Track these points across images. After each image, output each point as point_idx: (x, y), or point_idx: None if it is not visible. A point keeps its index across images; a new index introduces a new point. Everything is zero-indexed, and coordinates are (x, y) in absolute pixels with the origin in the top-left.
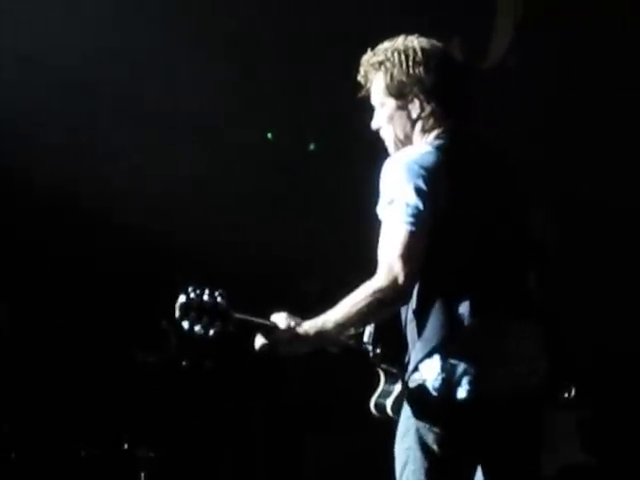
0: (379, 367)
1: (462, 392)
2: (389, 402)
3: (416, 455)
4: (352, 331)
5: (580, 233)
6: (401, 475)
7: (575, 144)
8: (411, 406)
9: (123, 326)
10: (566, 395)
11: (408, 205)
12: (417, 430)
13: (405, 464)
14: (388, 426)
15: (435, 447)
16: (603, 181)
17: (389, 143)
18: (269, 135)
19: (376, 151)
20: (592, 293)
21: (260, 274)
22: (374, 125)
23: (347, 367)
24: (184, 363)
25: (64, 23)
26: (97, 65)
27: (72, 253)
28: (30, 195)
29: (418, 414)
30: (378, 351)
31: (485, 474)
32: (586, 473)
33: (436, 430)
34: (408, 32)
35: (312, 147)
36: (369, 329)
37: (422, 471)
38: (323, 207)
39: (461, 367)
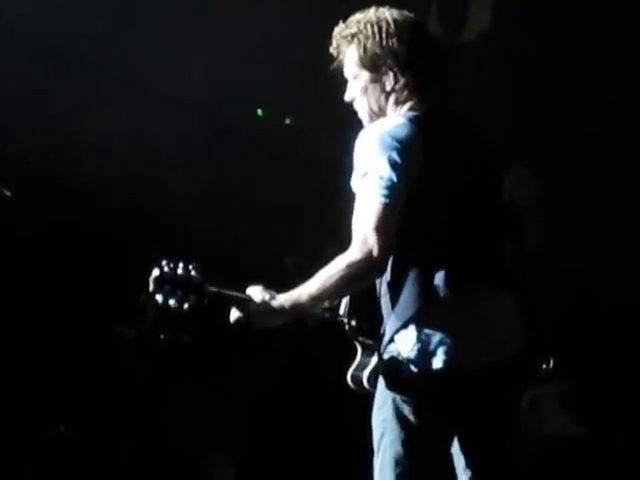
0: (355, 339)
1: (438, 362)
2: (365, 374)
3: (393, 426)
4: (327, 304)
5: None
6: (379, 446)
7: (548, 115)
8: (387, 377)
9: (100, 300)
10: (544, 367)
11: (382, 178)
12: (393, 401)
13: (382, 435)
14: None
15: (412, 417)
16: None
17: (363, 115)
18: (259, 112)
19: (352, 123)
20: (570, 250)
21: (236, 250)
22: (347, 97)
23: None
24: (162, 337)
25: None
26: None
27: (48, 227)
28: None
29: (394, 385)
30: (354, 323)
31: (462, 444)
32: (580, 443)
33: (412, 401)
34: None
35: (288, 121)
36: (345, 302)
37: (399, 442)
38: (301, 180)
39: (437, 337)
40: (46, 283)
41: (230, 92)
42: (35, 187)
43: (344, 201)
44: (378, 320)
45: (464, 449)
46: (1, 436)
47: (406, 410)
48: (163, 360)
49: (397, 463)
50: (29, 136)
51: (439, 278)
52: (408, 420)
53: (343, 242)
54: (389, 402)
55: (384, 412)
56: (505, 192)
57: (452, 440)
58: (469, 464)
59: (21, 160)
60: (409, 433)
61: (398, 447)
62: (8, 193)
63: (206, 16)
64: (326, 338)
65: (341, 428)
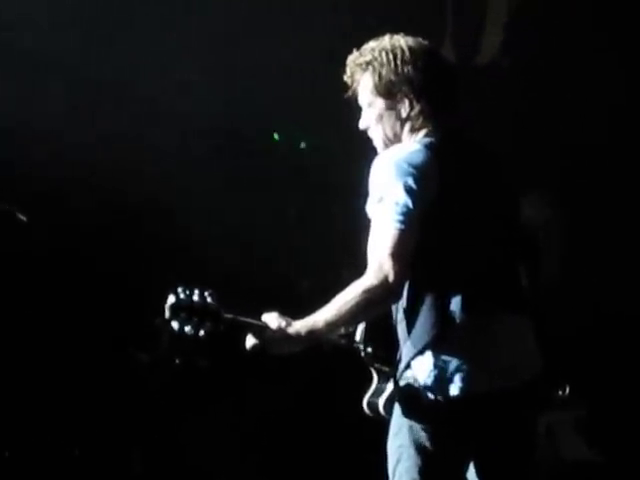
0: (371, 366)
1: (455, 389)
2: (381, 401)
3: (409, 452)
4: (343, 330)
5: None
6: (394, 472)
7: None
8: (403, 404)
9: (116, 324)
10: (560, 393)
11: (397, 204)
12: (410, 428)
13: (398, 462)
14: None
15: (428, 444)
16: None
17: (378, 142)
18: (275, 136)
19: (368, 147)
20: (589, 276)
21: (252, 273)
22: (362, 125)
23: None
24: (177, 361)
25: None
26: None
27: (63, 250)
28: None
29: (410, 412)
30: (370, 350)
31: (477, 469)
32: (594, 469)
33: (429, 427)
34: (399, 32)
35: (303, 145)
36: (361, 328)
37: (415, 469)
38: (316, 206)
39: (453, 364)
40: (62, 307)
41: (246, 115)
42: (50, 212)
43: (359, 224)
44: (394, 347)
45: (479, 474)
46: (16, 458)
47: (422, 437)
48: (178, 384)
49: None
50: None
51: (455, 304)
52: (425, 447)
53: (358, 266)
54: (405, 429)
55: (400, 438)
56: (521, 216)
57: (467, 465)
58: None
59: (41, 188)
60: (425, 459)
61: (414, 474)
62: (24, 218)
63: (220, 39)
64: (342, 364)
65: (356, 454)
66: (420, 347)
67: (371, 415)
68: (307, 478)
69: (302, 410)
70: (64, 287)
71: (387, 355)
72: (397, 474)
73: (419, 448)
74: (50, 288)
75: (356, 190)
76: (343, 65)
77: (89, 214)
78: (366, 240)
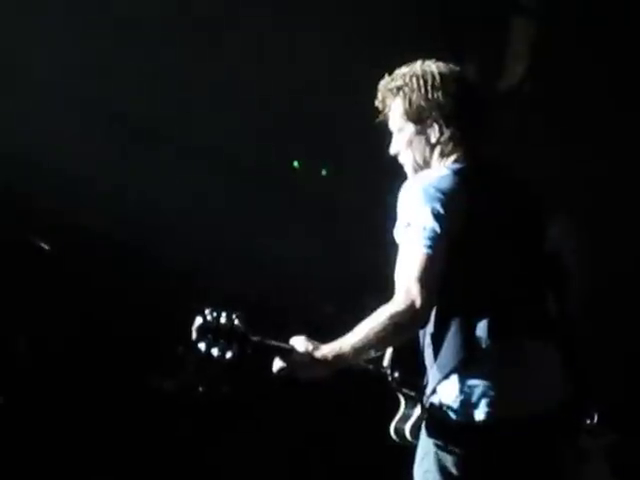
0: (398, 391)
1: (480, 414)
2: (408, 427)
3: (435, 478)
4: (370, 355)
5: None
6: None
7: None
8: (429, 429)
9: (140, 352)
10: (588, 422)
11: (425, 228)
12: (436, 453)
13: None
14: None
15: (454, 470)
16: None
17: (408, 168)
18: (295, 164)
19: (394, 174)
20: (619, 306)
21: (278, 298)
22: (393, 150)
23: None
24: (201, 389)
25: None
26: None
27: (87, 277)
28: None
29: (436, 436)
30: (397, 375)
31: None
32: None
33: (455, 452)
34: (424, 56)
35: (324, 172)
36: (388, 353)
37: None
38: (341, 230)
39: (479, 389)
40: (85, 336)
41: (267, 141)
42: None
43: (383, 250)
44: (422, 372)
45: None
46: None
47: (449, 462)
48: (202, 411)
49: None
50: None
51: (481, 329)
52: (450, 472)
53: (381, 290)
54: (431, 454)
55: (426, 464)
56: (550, 242)
57: None
58: None
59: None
60: None
61: None
62: (47, 247)
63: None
64: (369, 389)
65: None
66: (446, 372)
67: (398, 441)
68: None
69: (328, 436)
70: (86, 315)
71: (414, 380)
72: None
73: (445, 473)
74: (70, 318)
75: (379, 214)
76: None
77: (113, 241)
78: (388, 265)
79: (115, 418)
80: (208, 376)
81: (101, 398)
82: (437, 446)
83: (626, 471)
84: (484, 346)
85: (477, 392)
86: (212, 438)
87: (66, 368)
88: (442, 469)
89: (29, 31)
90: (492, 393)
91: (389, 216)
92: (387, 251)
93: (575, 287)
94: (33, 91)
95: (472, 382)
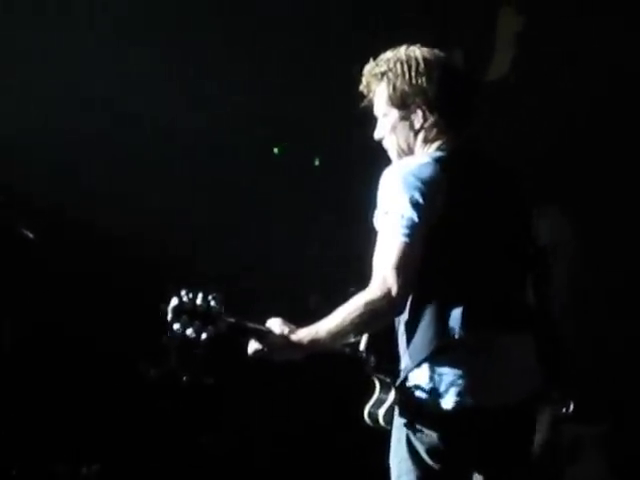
0: (374, 376)
1: (448, 402)
2: (381, 412)
3: (409, 466)
4: (346, 340)
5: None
6: None
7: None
8: (401, 415)
9: (125, 339)
10: (564, 410)
11: (403, 217)
12: (408, 440)
13: (399, 476)
14: None
15: (426, 457)
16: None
17: (392, 153)
18: (275, 150)
19: (378, 164)
20: (608, 297)
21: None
22: (377, 135)
23: None
24: (185, 378)
25: None
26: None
27: (72, 267)
28: (28, 209)
29: (408, 423)
30: (372, 360)
31: None
32: None
33: (424, 440)
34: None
35: (317, 162)
36: (365, 338)
37: None
38: (325, 220)
39: (449, 378)
40: (71, 322)
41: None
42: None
43: (368, 240)
44: (397, 358)
45: None
46: (23, 475)
47: (421, 450)
48: (186, 399)
49: None
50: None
51: (455, 319)
52: (423, 460)
53: (367, 281)
54: (404, 441)
55: (400, 452)
56: (534, 232)
57: None
58: None
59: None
60: (425, 473)
61: None
62: (31, 235)
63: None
64: (345, 373)
65: (356, 463)
66: (418, 360)
67: (371, 425)
68: None
69: (304, 418)
70: (71, 302)
71: (390, 366)
72: None
73: (418, 461)
74: (58, 305)
75: (362, 203)
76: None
77: (98, 228)
78: (372, 255)
79: (100, 404)
80: (191, 366)
81: (87, 384)
82: (408, 433)
83: (620, 460)
84: (457, 336)
85: (446, 381)
86: (198, 424)
87: (50, 355)
88: (415, 457)
89: None
90: (461, 382)
91: (372, 205)
92: (371, 241)
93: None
94: None
95: (442, 370)
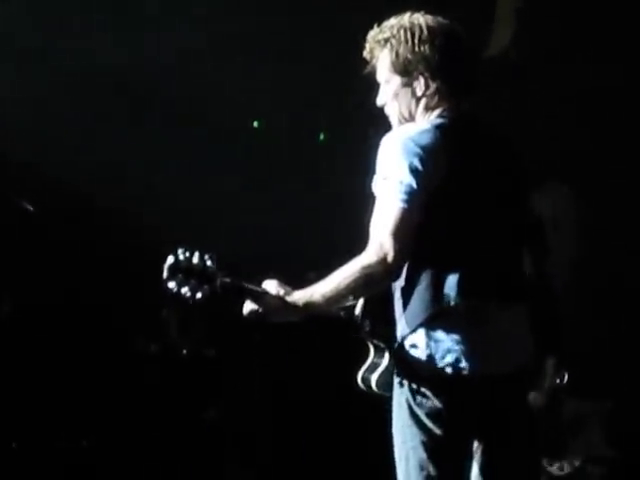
0: (368, 341)
1: (445, 369)
2: (375, 376)
3: (412, 431)
4: (341, 304)
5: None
6: (400, 453)
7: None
8: (399, 381)
9: (124, 315)
10: (558, 381)
11: (402, 183)
12: (409, 405)
13: (403, 442)
14: None
15: (427, 421)
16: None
17: (393, 120)
18: (255, 124)
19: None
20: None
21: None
22: (379, 102)
23: None
24: (184, 352)
25: None
26: None
27: (72, 240)
28: (28, 186)
29: (406, 389)
30: (368, 324)
31: (482, 453)
32: (610, 465)
33: (423, 404)
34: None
35: (322, 137)
36: (360, 302)
37: (422, 447)
38: (326, 197)
39: (445, 344)
40: (69, 299)
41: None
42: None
43: (367, 215)
44: (393, 323)
45: (481, 464)
46: (23, 451)
47: (422, 414)
48: (185, 374)
49: (422, 468)
50: None
51: (451, 286)
52: (425, 424)
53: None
54: (405, 407)
55: (402, 418)
56: (536, 205)
57: (470, 454)
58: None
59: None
60: (428, 437)
61: (421, 453)
62: (31, 208)
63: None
64: (340, 337)
65: (356, 431)
66: (414, 326)
67: (365, 390)
68: (307, 453)
69: (298, 383)
70: (71, 277)
71: (385, 331)
72: (404, 454)
73: (421, 426)
74: (56, 281)
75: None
76: None
77: (96, 208)
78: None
79: (99, 379)
80: (191, 338)
81: (87, 358)
82: (408, 397)
83: (620, 437)
84: (452, 303)
85: (443, 347)
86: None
87: (50, 329)
88: (417, 422)
89: None
90: (457, 348)
91: (370, 178)
92: (369, 218)
93: (574, 256)
94: None
95: (438, 337)
